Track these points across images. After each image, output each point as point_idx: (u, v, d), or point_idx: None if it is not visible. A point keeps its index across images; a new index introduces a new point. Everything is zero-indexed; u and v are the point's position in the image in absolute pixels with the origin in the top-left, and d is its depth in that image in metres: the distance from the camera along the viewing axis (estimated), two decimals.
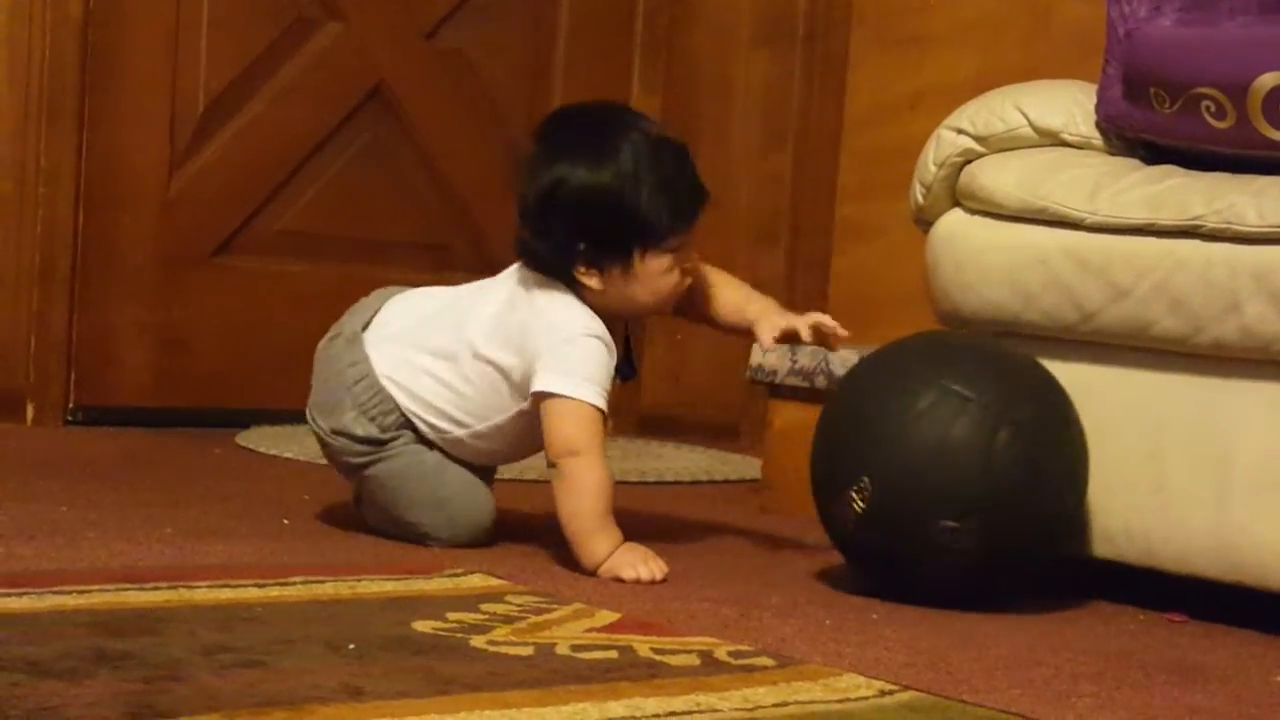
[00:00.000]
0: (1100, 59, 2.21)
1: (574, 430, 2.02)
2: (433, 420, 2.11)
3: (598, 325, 2.05)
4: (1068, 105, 2.25)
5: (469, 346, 2.09)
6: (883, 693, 1.51)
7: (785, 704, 1.44)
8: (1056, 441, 1.99)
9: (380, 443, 2.11)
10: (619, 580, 1.98)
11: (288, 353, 3.21)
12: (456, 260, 3.38)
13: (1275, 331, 1.93)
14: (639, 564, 2.00)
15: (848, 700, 1.47)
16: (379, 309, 2.16)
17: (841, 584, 2.09)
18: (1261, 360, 1.97)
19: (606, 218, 2.03)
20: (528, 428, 2.08)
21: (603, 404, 2.03)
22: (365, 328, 2.15)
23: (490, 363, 2.08)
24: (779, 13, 3.66)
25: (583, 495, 2.02)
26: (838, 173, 3.62)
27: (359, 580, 1.82)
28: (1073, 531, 2.07)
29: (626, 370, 2.15)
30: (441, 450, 2.13)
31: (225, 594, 1.69)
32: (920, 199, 2.30)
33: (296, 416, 3.16)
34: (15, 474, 2.41)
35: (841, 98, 3.62)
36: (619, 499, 2.05)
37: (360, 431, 2.11)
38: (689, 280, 2.11)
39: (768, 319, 2.17)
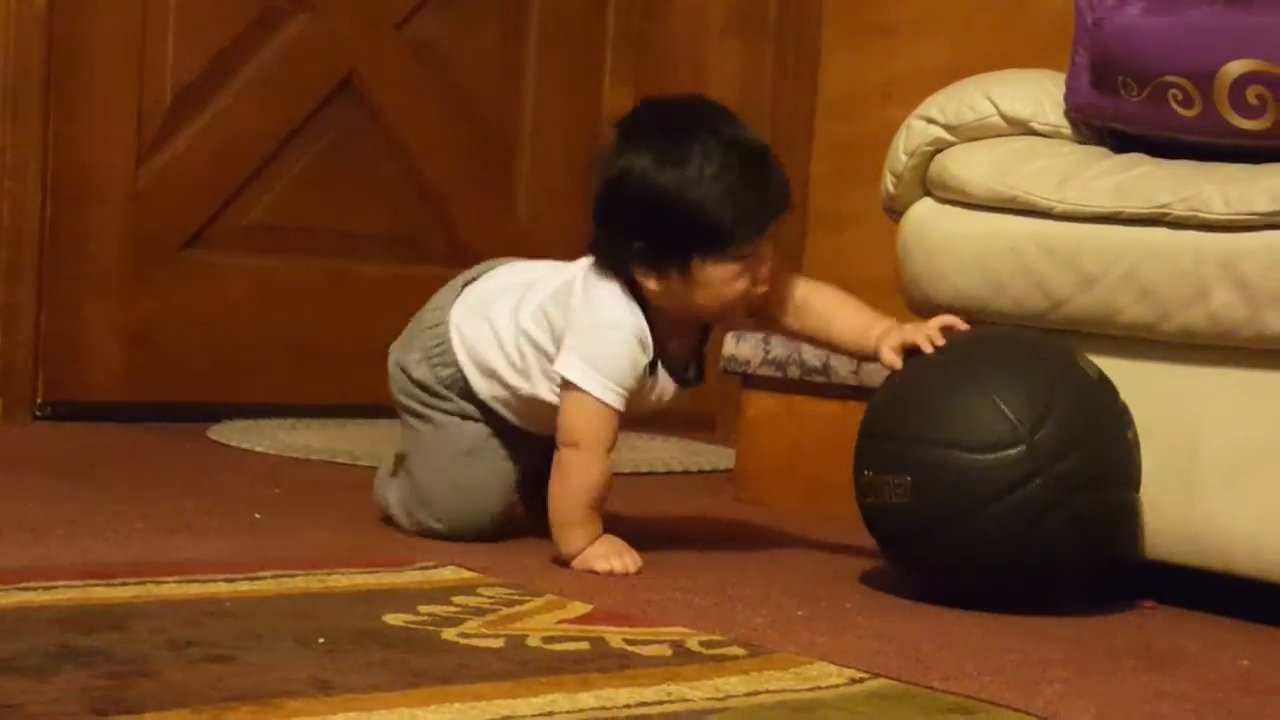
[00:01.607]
0: (1069, 48, 2.21)
1: (582, 424, 2.01)
2: (485, 375, 2.10)
3: (637, 320, 2.00)
4: (1037, 94, 2.25)
5: (518, 319, 2.08)
6: (853, 680, 1.51)
7: (756, 693, 1.44)
8: (1101, 481, 1.93)
9: (432, 392, 2.12)
10: (592, 572, 1.98)
11: (258, 346, 3.21)
12: (427, 253, 3.37)
13: (1242, 318, 1.94)
14: (613, 556, 2.00)
15: (818, 689, 1.47)
16: (489, 271, 2.18)
17: (814, 574, 2.09)
18: (1229, 347, 1.97)
19: (665, 220, 1.96)
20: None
21: (617, 403, 2.00)
22: (470, 285, 2.16)
23: (531, 340, 2.07)
24: (750, 3, 3.66)
25: (573, 487, 2.02)
26: (810, 162, 3.62)
27: (329, 574, 1.82)
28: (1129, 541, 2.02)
29: (691, 378, 2.10)
30: (491, 418, 2.11)
31: (194, 589, 1.69)
32: (891, 188, 2.30)
33: (267, 410, 3.17)
34: None
35: (813, 88, 3.62)
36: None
37: (417, 374, 2.13)
38: (763, 288, 2.03)
39: (890, 339, 2.03)
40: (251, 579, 1.76)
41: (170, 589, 1.68)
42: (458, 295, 2.15)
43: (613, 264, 2.02)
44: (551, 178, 3.52)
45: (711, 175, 1.96)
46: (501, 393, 2.11)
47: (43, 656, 1.37)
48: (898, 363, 2.01)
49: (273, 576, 1.78)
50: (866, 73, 3.49)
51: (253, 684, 1.34)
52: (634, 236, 1.98)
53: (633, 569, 1.99)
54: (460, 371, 2.11)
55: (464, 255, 3.41)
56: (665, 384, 2.06)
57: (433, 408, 2.13)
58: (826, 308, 2.13)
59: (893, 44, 3.42)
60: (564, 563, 2.01)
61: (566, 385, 2.01)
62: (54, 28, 2.94)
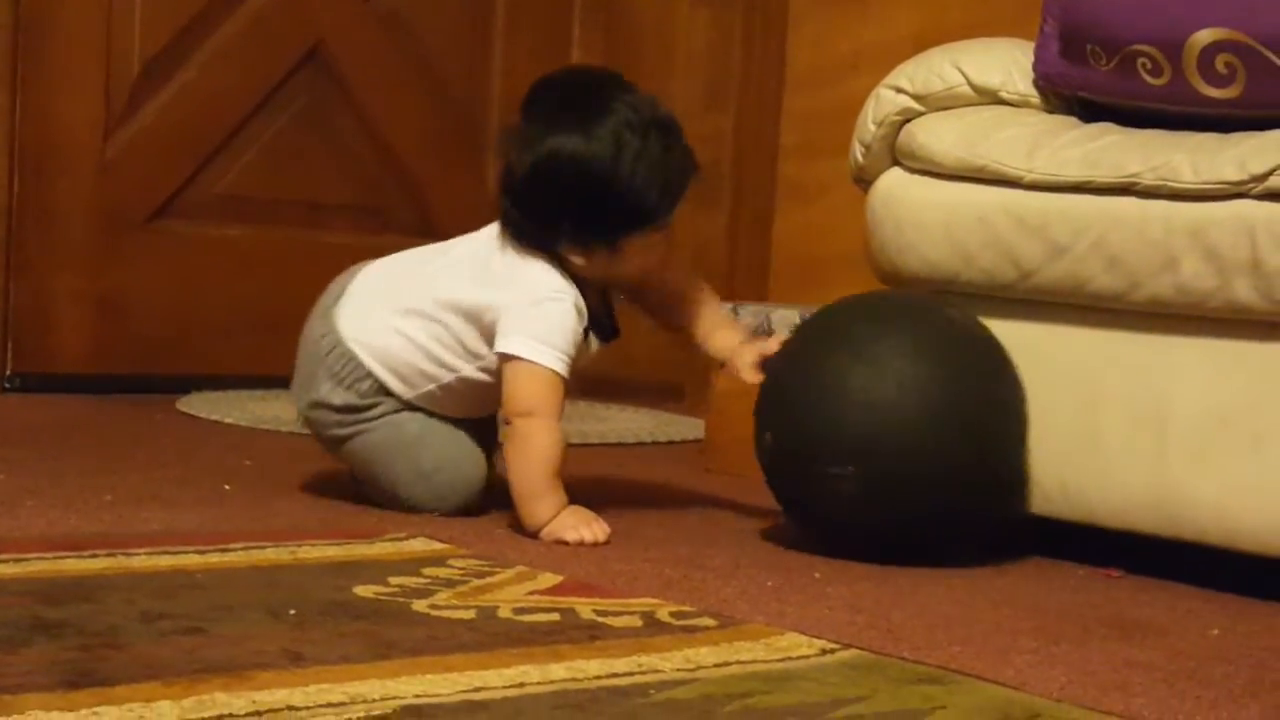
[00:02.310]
0: (1039, 17, 2.21)
1: (533, 392, 2.01)
2: (402, 378, 2.09)
3: (570, 289, 2.04)
4: (1006, 64, 2.25)
5: (436, 296, 2.08)
6: (824, 651, 1.51)
7: (727, 664, 1.44)
8: (990, 406, 2.03)
9: (359, 409, 2.09)
10: (562, 543, 1.98)
11: (227, 317, 3.20)
12: (395, 223, 3.37)
13: (1211, 288, 1.95)
14: (581, 526, 2.00)
15: (789, 659, 1.48)
16: (350, 281, 2.15)
17: (784, 544, 2.09)
18: (1198, 317, 1.98)
19: (597, 202, 2.02)
20: (496, 382, 2.07)
21: (563, 369, 2.02)
22: (338, 301, 2.13)
23: (456, 309, 2.07)
24: None
25: (532, 456, 2.02)
26: (779, 133, 3.62)
27: (300, 545, 1.81)
28: (1009, 493, 2.09)
29: (609, 331, 2.15)
30: (424, 410, 2.11)
31: (165, 561, 1.69)
32: (860, 158, 2.30)
33: (237, 382, 3.16)
34: None
35: (782, 57, 3.61)
36: (566, 459, 2.05)
37: (338, 400, 2.09)
38: (665, 256, 2.11)
39: (743, 357, 2.17)
40: (222, 551, 1.76)
41: (141, 561, 1.67)
42: (334, 317, 2.11)
43: (539, 245, 2.04)
44: None
45: (635, 154, 2.02)
46: (425, 388, 2.10)
47: (13, 629, 1.37)
48: (758, 378, 2.12)
49: (243, 548, 1.78)
50: (835, 42, 3.48)
51: (224, 656, 1.34)
52: (563, 217, 2.02)
53: (601, 538, 1.99)
54: (378, 380, 2.09)
55: (431, 225, 3.40)
56: (593, 343, 2.10)
57: (365, 420, 2.10)
58: (700, 309, 2.22)
59: (862, 13, 3.42)
60: (532, 534, 2.01)
61: (510, 359, 2.02)
62: (21, 1, 2.91)
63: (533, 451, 2.02)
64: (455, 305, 2.07)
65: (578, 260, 2.05)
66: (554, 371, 2.01)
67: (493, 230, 2.11)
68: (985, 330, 2.09)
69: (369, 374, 2.09)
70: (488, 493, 2.14)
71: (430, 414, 2.12)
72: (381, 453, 2.10)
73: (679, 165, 2.08)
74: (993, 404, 2.05)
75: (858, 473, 1.97)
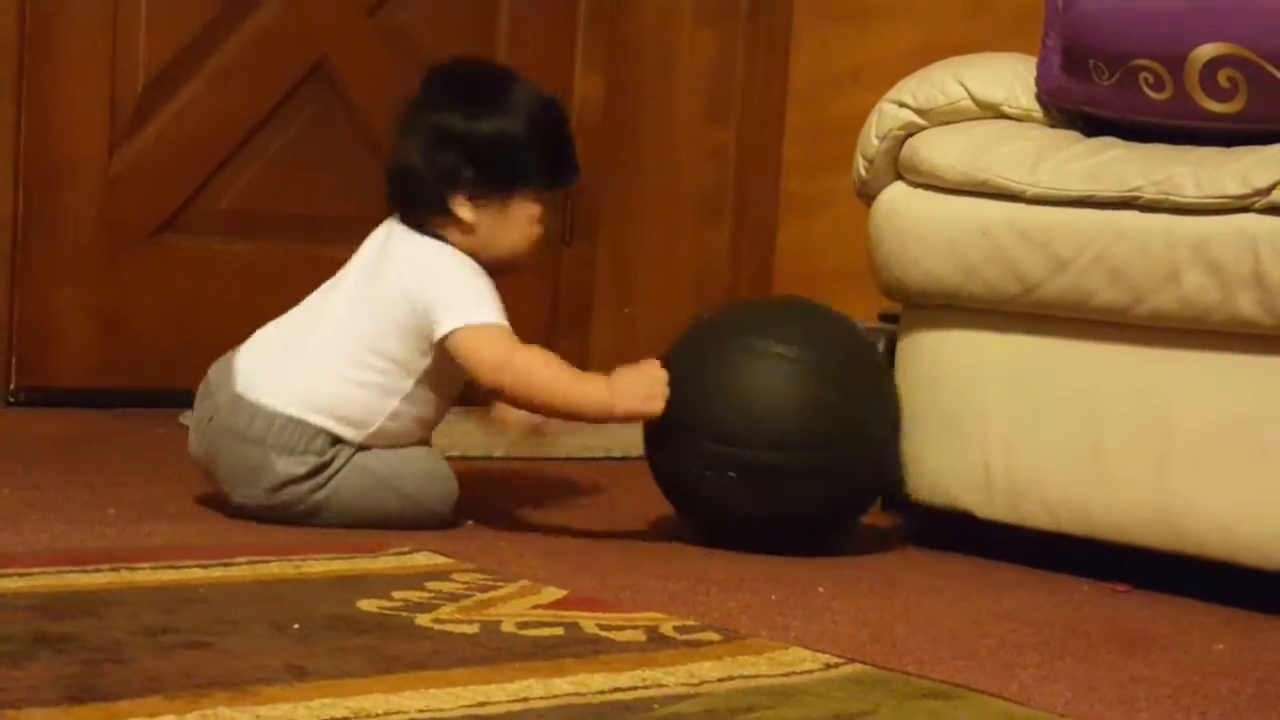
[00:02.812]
0: (1041, 32, 2.22)
1: (491, 348, 2.03)
2: (352, 423, 2.06)
3: (468, 259, 2.08)
4: (1008, 78, 2.26)
5: (353, 330, 2.06)
6: (828, 666, 1.51)
7: (731, 678, 1.44)
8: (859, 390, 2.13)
9: (323, 467, 2.05)
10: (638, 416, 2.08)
11: (231, 331, 3.19)
12: None
13: (1213, 301, 1.95)
14: (649, 396, 2.07)
15: (793, 674, 1.47)
16: (231, 371, 2.10)
17: (786, 559, 2.09)
18: (1200, 330, 1.98)
19: (497, 150, 2.07)
20: (436, 384, 2.08)
21: (503, 320, 2.05)
22: (237, 383, 2.08)
23: (376, 327, 2.05)
24: None
25: (546, 384, 2.04)
26: (782, 147, 3.63)
27: (303, 560, 1.81)
28: (885, 481, 2.22)
29: None
30: (377, 448, 2.09)
31: (168, 575, 1.69)
32: (863, 172, 2.30)
33: None
34: None
35: (785, 72, 3.62)
36: (567, 473, 2.05)
37: (303, 469, 2.04)
38: (541, 241, 2.14)
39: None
40: (225, 565, 1.76)
41: (144, 575, 1.67)
42: (250, 398, 2.05)
43: (429, 199, 2.08)
44: None
45: (535, 115, 2.11)
46: (375, 424, 2.07)
47: (17, 643, 1.37)
48: (524, 426, 2.19)
49: (247, 562, 1.78)
50: (837, 57, 3.49)
51: (227, 670, 1.34)
52: (465, 166, 2.07)
53: (662, 398, 2.06)
54: (329, 433, 2.05)
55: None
56: None
57: (332, 474, 2.05)
58: None
59: (863, 28, 3.42)
60: (609, 418, 2.07)
61: (452, 335, 2.02)
62: (27, 14, 2.92)
63: (542, 380, 2.04)
64: (375, 324, 2.05)
65: (465, 215, 2.07)
66: (499, 325, 2.04)
67: (373, 244, 2.12)
68: (858, 330, 2.23)
69: (320, 430, 2.04)
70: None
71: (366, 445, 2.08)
72: (360, 496, 2.07)
73: (570, 146, 2.15)
74: (865, 397, 2.14)
75: (736, 473, 2.05)
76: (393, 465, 2.08)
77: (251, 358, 2.10)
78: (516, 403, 2.08)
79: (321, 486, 2.05)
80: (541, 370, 2.04)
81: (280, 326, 2.14)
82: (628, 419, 2.09)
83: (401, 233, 2.11)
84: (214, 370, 2.13)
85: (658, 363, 2.10)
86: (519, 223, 2.11)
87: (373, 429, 2.07)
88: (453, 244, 2.09)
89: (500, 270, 2.12)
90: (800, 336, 2.11)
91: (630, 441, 3.11)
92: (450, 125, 2.09)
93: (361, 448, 2.07)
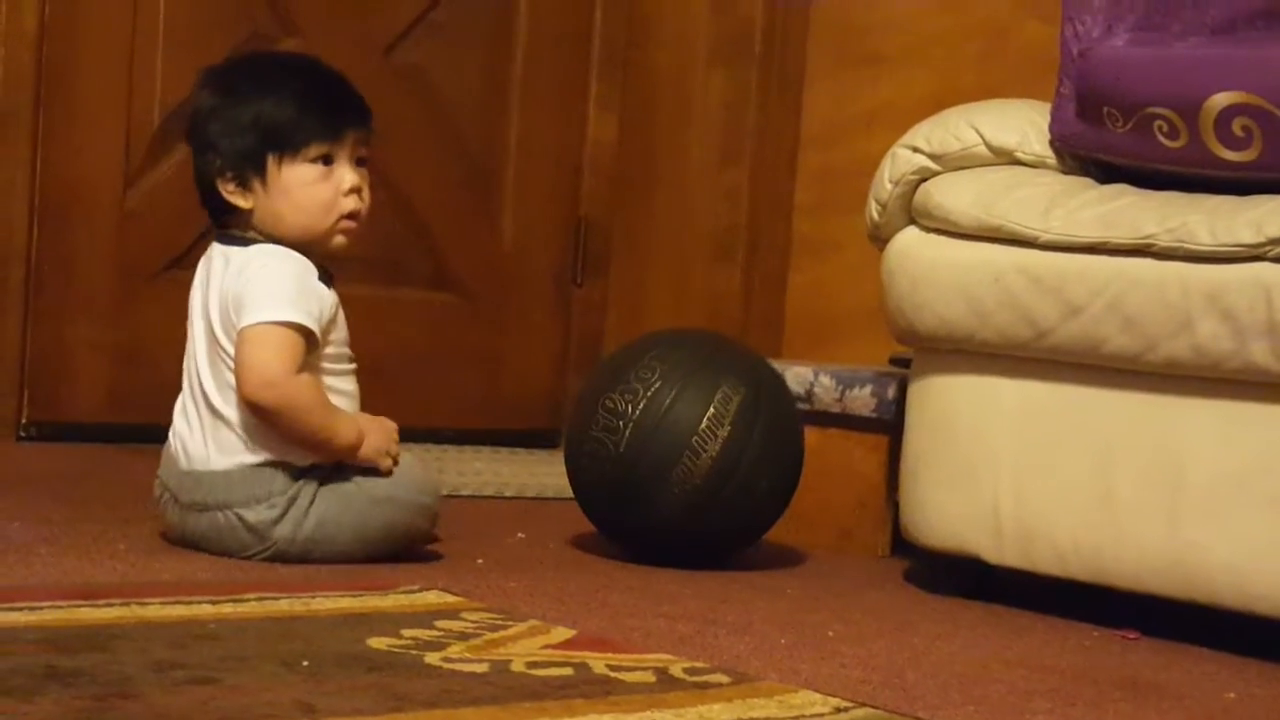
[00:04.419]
0: (1055, 79, 2.22)
1: (270, 362, 1.99)
2: (284, 444, 2.03)
3: (278, 247, 2.04)
4: (1022, 124, 2.26)
5: (211, 367, 2.06)
6: (838, 710, 1.51)
7: None
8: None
9: (293, 499, 2.03)
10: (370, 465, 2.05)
11: None
12: (411, 276, 3.37)
13: (1227, 350, 1.95)
14: (389, 450, 2.07)
15: (803, 717, 1.47)
16: (171, 453, 2.10)
17: (797, 602, 2.09)
18: (1213, 378, 1.98)
19: (236, 124, 2.03)
20: (320, 363, 2.06)
21: (301, 317, 2.00)
22: (176, 464, 2.09)
23: (228, 356, 2.04)
24: (736, 31, 3.66)
25: (307, 406, 2.01)
26: (794, 190, 3.63)
27: (313, 597, 1.81)
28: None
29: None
30: (331, 470, 2.07)
31: (179, 610, 1.68)
32: (876, 216, 2.30)
33: None
34: None
35: (798, 115, 3.62)
36: (578, 513, 2.03)
37: (275, 512, 2.02)
38: (354, 205, 2.08)
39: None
40: (235, 601, 1.75)
41: (155, 610, 1.67)
42: (199, 469, 2.05)
43: (208, 195, 2.07)
44: (536, 203, 3.52)
45: (277, 82, 2.07)
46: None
47: (27, 677, 1.37)
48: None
49: (257, 599, 1.78)
50: (851, 101, 3.50)
51: (236, 707, 1.33)
52: (211, 154, 2.05)
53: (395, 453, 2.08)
54: (281, 463, 2.03)
55: (446, 279, 3.41)
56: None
57: (305, 511, 2.03)
58: None
59: (877, 73, 3.43)
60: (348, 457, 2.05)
61: (240, 334, 2.00)
62: (44, 50, 2.93)
63: (302, 403, 2.00)
64: (227, 350, 2.04)
65: (240, 202, 2.05)
66: (289, 324, 1.99)
67: (200, 271, 2.11)
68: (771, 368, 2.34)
69: (270, 467, 2.03)
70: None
71: (331, 469, 2.07)
72: (342, 516, 2.05)
73: (331, 100, 2.09)
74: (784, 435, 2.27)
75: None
76: (361, 479, 2.07)
77: (179, 433, 2.10)
78: (264, 420, 2.01)
79: (303, 521, 2.03)
80: (307, 398, 2.01)
81: (185, 390, 2.12)
82: (359, 464, 2.05)
83: (219, 250, 2.08)
84: (161, 463, 2.13)
85: (393, 423, 2.09)
86: (288, 192, 2.04)
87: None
88: (258, 239, 2.06)
89: (322, 247, 2.08)
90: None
91: None
92: (191, 123, 2.09)
93: (325, 470, 2.05)
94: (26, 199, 2.94)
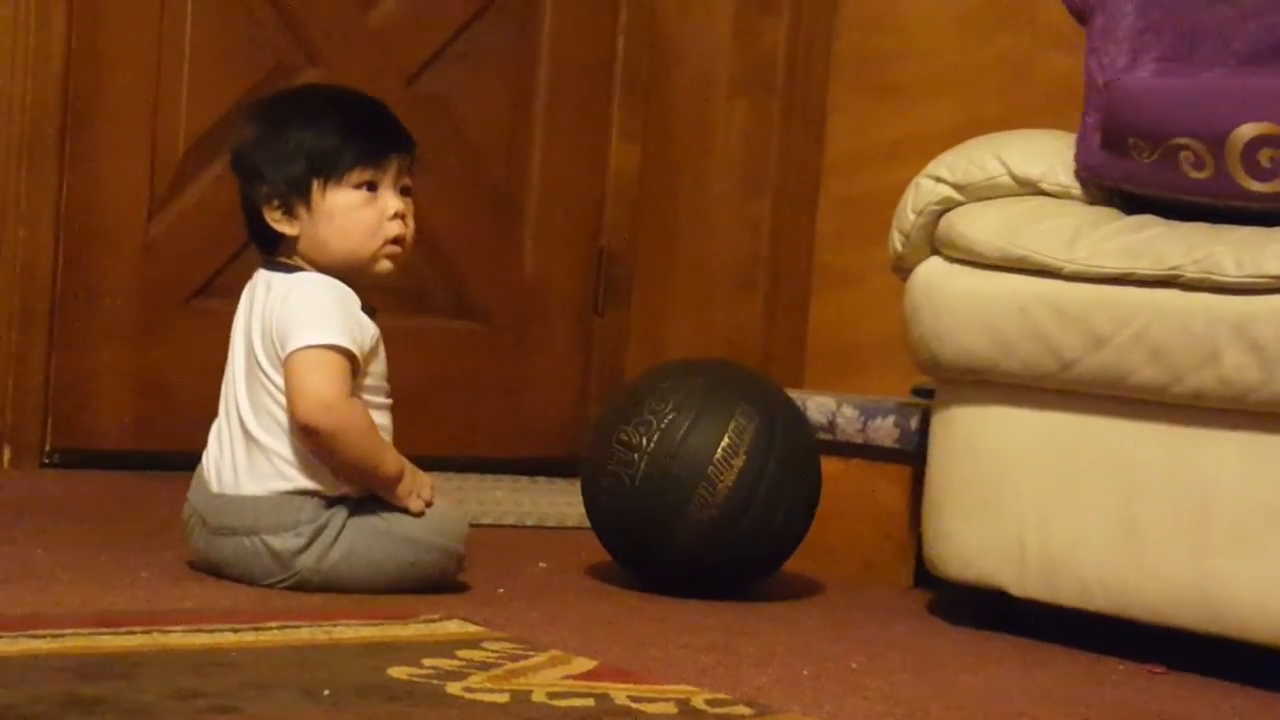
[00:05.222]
0: (1079, 109, 2.22)
1: (324, 384, 2.00)
2: (317, 473, 2.04)
3: (325, 278, 2.06)
4: (1047, 155, 2.26)
5: (251, 393, 2.06)
6: None
7: None
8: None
9: (321, 529, 2.03)
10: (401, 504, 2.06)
11: None
12: (434, 305, 3.38)
13: (1254, 381, 1.94)
14: (422, 493, 2.08)
15: None
16: (202, 476, 2.11)
17: (819, 633, 2.08)
18: (1240, 410, 1.97)
19: (280, 151, 2.06)
20: (359, 390, 2.06)
21: (347, 341, 2.01)
22: (208, 485, 2.09)
23: (270, 382, 2.05)
24: (758, 61, 3.67)
25: (362, 432, 2.03)
26: (816, 220, 3.63)
27: (335, 625, 1.81)
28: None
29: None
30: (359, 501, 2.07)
31: (200, 639, 1.68)
32: (899, 247, 2.30)
33: None
34: None
35: (820, 145, 3.63)
36: (598, 542, 2.03)
37: (302, 541, 2.02)
38: (399, 230, 2.10)
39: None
40: (257, 629, 1.75)
41: (176, 638, 1.67)
42: (227, 492, 2.06)
43: (254, 224, 2.09)
44: (557, 232, 3.52)
45: (320, 111, 2.10)
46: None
47: (49, 704, 1.37)
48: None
49: (278, 627, 1.77)
50: (873, 131, 3.50)
51: None
52: (257, 181, 2.07)
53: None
54: (311, 492, 2.03)
55: (467, 307, 3.41)
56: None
57: (332, 540, 2.03)
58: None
59: (900, 103, 3.43)
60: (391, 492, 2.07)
61: (289, 359, 2.00)
62: (70, 80, 2.95)
63: (356, 429, 2.02)
64: (270, 374, 2.04)
65: (285, 229, 2.06)
66: (336, 347, 2.01)
67: (245, 297, 2.12)
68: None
69: (300, 495, 2.03)
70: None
71: (360, 502, 2.07)
72: (369, 552, 2.05)
73: (373, 126, 2.11)
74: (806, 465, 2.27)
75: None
76: (394, 514, 2.07)
77: (212, 455, 2.11)
78: (318, 446, 2.01)
79: (328, 552, 2.03)
80: (361, 422, 2.03)
81: (221, 415, 2.13)
82: (393, 500, 2.06)
83: (263, 276, 2.10)
84: (192, 485, 2.13)
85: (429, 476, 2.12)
86: (332, 217, 2.06)
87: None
88: (304, 266, 2.08)
89: (367, 273, 2.09)
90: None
91: None
92: (234, 153, 2.12)
93: (354, 502, 2.06)
94: (52, 227, 2.95)
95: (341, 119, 2.09)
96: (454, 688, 1.57)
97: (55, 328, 2.96)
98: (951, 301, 2.20)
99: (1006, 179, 2.24)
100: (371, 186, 2.09)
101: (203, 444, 2.14)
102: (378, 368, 2.10)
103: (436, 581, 2.09)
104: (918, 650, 2.03)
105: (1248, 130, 2.01)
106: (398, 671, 1.61)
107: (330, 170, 2.06)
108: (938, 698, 1.75)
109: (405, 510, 2.07)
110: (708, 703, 1.60)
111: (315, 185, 2.06)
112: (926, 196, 2.26)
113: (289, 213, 2.07)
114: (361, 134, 2.09)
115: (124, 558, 2.13)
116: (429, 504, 2.09)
